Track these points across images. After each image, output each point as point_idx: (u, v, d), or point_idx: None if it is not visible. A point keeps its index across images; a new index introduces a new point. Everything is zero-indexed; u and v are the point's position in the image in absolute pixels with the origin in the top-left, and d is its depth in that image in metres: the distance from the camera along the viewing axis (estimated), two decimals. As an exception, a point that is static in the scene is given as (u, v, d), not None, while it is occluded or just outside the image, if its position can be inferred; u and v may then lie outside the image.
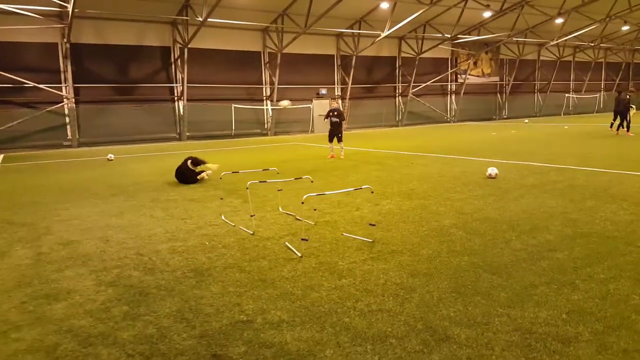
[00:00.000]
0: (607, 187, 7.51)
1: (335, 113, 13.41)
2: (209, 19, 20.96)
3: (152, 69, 23.86)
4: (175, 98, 24.72)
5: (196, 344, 3.02)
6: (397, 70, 32.12)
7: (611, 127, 18.45)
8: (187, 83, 24.02)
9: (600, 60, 42.75)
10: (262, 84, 27.19)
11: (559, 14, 28.35)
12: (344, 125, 13.36)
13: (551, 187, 7.70)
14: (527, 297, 3.48)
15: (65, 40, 20.91)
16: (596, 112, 42.01)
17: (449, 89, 35.05)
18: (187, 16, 22.23)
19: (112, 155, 15.87)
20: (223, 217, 6.51)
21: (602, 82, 44.10)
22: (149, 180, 10.44)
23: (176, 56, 24.20)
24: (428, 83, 32.89)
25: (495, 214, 6.07)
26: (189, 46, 23.28)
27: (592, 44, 38.06)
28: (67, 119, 22.00)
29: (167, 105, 24.64)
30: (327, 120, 13.55)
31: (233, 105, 25.47)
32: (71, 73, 21.59)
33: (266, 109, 27.29)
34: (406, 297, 3.60)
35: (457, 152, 13.77)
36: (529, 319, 3.14)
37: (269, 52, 26.83)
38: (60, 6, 18.66)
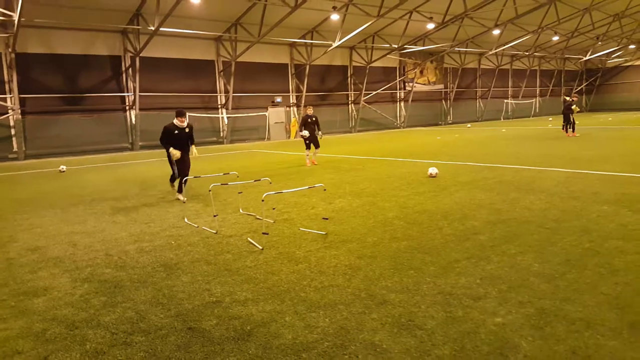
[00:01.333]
0: (530, 182, 8.55)
1: (313, 119, 13.40)
2: (161, 28, 21.05)
3: (102, 78, 23.51)
4: (127, 107, 24.46)
5: (173, 321, 3.49)
6: (349, 79, 33.23)
7: (562, 128, 19.87)
8: (140, 92, 23.87)
9: (535, 68, 45.99)
10: (217, 93, 27.40)
11: (496, 26, 30.49)
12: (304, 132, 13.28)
13: (483, 183, 8.66)
14: (451, 269, 4.21)
15: (10, 49, 20.30)
16: (532, 116, 45.04)
17: (398, 97, 36.60)
18: (138, 25, 22.18)
19: (64, 167, 15.67)
20: (186, 220, 6.92)
21: (537, 88, 47.40)
22: (106, 190, 10.58)
23: (127, 65, 24.00)
24: (378, 91, 34.23)
25: (432, 207, 6.86)
26: (141, 55, 23.20)
27: (527, 53, 40.94)
28: (13, 131, 21.29)
29: (119, 115, 24.33)
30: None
31: (187, 113, 25.41)
32: (16, 83, 20.95)
33: (221, 117, 27.50)
34: (353, 275, 4.23)
35: (404, 155, 14.74)
36: (450, 284, 3.85)
37: (223, 61, 27.10)
38: (5, 15, 18.20)
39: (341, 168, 12.42)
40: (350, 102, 33.70)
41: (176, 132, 8.60)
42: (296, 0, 21.26)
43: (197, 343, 3.12)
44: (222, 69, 27.18)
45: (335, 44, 27.45)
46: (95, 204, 8.82)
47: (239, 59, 26.45)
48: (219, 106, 27.54)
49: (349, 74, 33.17)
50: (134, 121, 24.37)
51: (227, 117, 27.39)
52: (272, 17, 23.14)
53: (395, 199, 7.64)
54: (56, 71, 22.03)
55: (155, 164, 17.05)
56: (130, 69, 23.90)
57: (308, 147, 13.42)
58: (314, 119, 13.43)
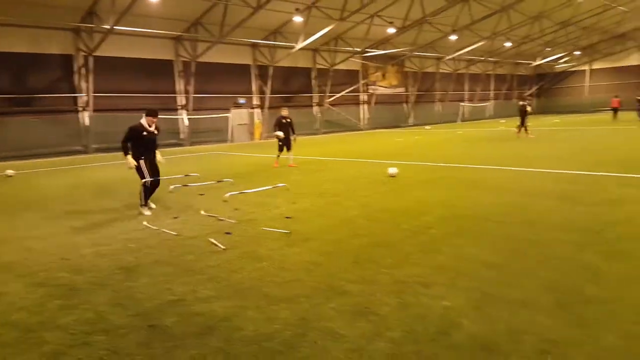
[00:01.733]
0: (483, 180, 8.98)
1: (288, 121, 13.09)
2: (116, 27, 20.51)
3: (52, 78, 22.55)
4: (80, 109, 23.60)
5: (133, 320, 3.51)
6: (313, 81, 33.45)
7: (519, 130, 20.68)
8: (93, 93, 23.11)
9: (489, 73, 47.86)
10: (176, 93, 26.92)
11: (453, 32, 31.56)
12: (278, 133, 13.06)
13: (439, 182, 9.02)
14: (406, 261, 4.42)
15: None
16: (487, 119, 46.78)
17: (361, 99, 37.16)
18: (92, 24, 21.50)
19: (12, 171, 14.93)
20: (145, 223, 6.83)
21: (492, 91, 49.33)
22: (59, 195, 10.23)
23: (80, 65, 23.17)
24: (342, 93, 34.63)
25: (392, 205, 7.11)
26: (95, 54, 22.49)
27: (482, 58, 42.59)
28: (-46, 134, 20.15)
29: (71, 117, 23.38)
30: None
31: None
32: (-43, 83, 19.84)
33: (181, 118, 27.05)
34: (314, 270, 4.36)
35: (367, 156, 15.05)
36: (404, 274, 4.06)
37: (182, 61, 26.67)
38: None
39: (305, 169, 12.55)
40: (314, 104, 33.93)
41: (145, 133, 7.48)
42: (258, 1, 21.25)
43: (158, 339, 3.16)
44: (181, 69, 26.75)
45: (298, 46, 27.60)
46: (48, 209, 8.53)
47: (199, 59, 26.12)
48: (179, 107, 27.06)
49: (312, 76, 33.41)
50: (87, 123, 23.56)
51: (188, 119, 26.96)
52: (234, 17, 23.03)
53: (357, 198, 7.85)
54: (2, 70, 20.98)
55: (110, 167, 16.61)
56: (83, 69, 23.10)
57: (280, 149, 13.21)
58: (288, 120, 13.13)
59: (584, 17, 36.59)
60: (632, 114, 29.27)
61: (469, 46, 36.26)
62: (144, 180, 7.42)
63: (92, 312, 3.67)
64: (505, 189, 8.00)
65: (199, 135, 27.53)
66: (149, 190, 7.52)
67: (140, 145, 7.48)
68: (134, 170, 7.50)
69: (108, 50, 22.90)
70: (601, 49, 47.15)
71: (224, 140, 28.42)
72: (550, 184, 8.27)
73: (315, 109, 34.04)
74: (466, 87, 46.21)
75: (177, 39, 26.16)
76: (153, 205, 7.68)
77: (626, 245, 4.60)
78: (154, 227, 6.51)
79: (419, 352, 2.80)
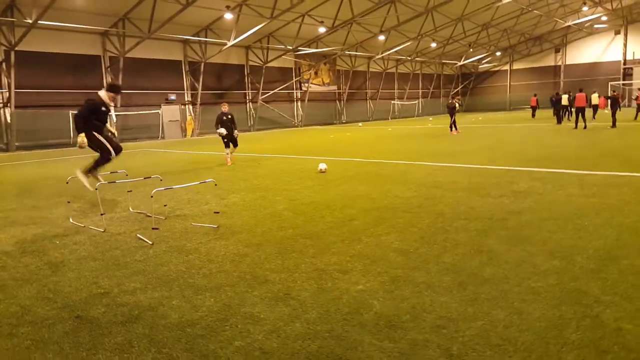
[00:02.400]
0: (404, 174, 9.65)
1: (229, 117, 12.84)
2: (40, 21, 19.26)
3: (-35, 71, 20.85)
4: (1, 105, 21.94)
5: (59, 312, 3.57)
6: (246, 78, 33.27)
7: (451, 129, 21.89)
8: (15, 88, 21.56)
9: (417, 72, 50.17)
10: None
11: (381, 32, 32.79)
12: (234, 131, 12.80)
13: (364, 177, 9.57)
14: (327, 250, 4.80)
15: None
16: (416, 116, 49.09)
17: (295, 96, 37.52)
18: (12, 17, 20.01)
19: None
20: (71, 220, 6.71)
21: (420, 90, 51.77)
22: (-26, 194, 9.62)
23: (0, 60, 21.52)
24: (275, 90, 34.78)
25: (318, 198, 7.50)
26: (17, 49, 20.97)
27: (410, 58, 44.56)
28: None
29: (-11, 113, 21.76)
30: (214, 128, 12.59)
31: (70, 111, 23.58)
32: None
33: (109, 114, 25.86)
34: (240, 261, 4.61)
35: (298, 153, 15.41)
36: (324, 263, 4.43)
37: (110, 57, 25.53)
38: None
39: (237, 165, 12.66)
40: (248, 100, 33.78)
41: (103, 109, 7.27)
42: (188, -3, 20.88)
43: (85, 329, 3.27)
44: (109, 64, 25.58)
45: (230, 43, 27.38)
46: (-40, 209, 8.03)
47: (128, 55, 25.13)
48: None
49: (245, 73, 33.23)
50: (9, 120, 21.93)
51: (116, 115, 25.85)
52: (163, 13, 22.42)
53: (285, 193, 8.15)
54: None
55: (34, 165, 15.67)
56: (4, 64, 21.46)
57: (227, 146, 12.92)
58: (229, 116, 12.86)
59: (503, 20, 39.48)
60: (549, 112, 31.98)
61: (397, 46, 37.82)
62: (108, 153, 7.22)
63: (17, 306, 3.68)
64: (422, 182, 8.67)
65: (128, 132, 26.48)
66: (109, 162, 7.40)
67: (97, 120, 7.22)
68: (85, 148, 7.21)
69: (31, 44, 21.51)
70: (520, 50, 51.06)
71: (155, 137, 27.59)
72: (464, 177, 9.07)
73: (249, 105, 33.93)
74: (396, 85, 48.12)
75: (104, 34, 24.97)
76: (101, 179, 7.38)
77: (525, 232, 5.18)
78: (80, 225, 6.41)
79: (331, 330, 3.15)
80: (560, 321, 3.08)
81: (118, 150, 7.45)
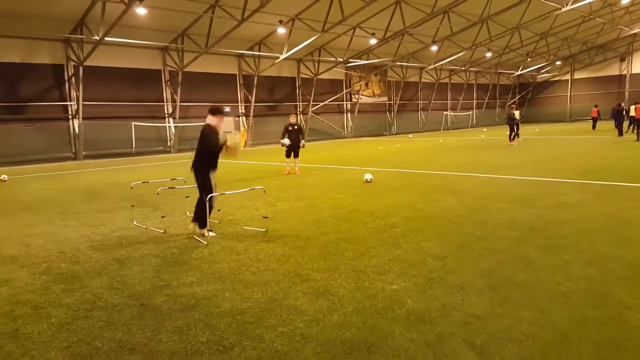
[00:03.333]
0: (451, 185, 9.70)
1: (295, 127, 13.16)
2: (106, 38, 21.02)
3: (43, 87, 23.03)
4: (70, 116, 24.03)
5: (127, 300, 4.09)
6: (297, 90, 34.19)
7: (509, 139, 21.59)
8: (83, 101, 23.55)
9: (471, 82, 49.15)
10: (164, 102, 27.43)
11: (434, 42, 32.61)
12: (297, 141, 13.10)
13: (410, 187, 9.71)
14: (367, 254, 5.06)
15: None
16: (470, 127, 47.99)
17: (345, 108, 37.99)
18: (82, 34, 21.99)
19: (6, 176, 15.35)
20: (135, 222, 7.39)
21: (474, 100, 50.62)
22: (53, 197, 10.72)
23: (70, 74, 23.64)
24: (326, 102, 35.42)
25: (362, 207, 7.76)
26: (85, 64, 22.96)
27: (464, 68, 43.81)
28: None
29: (62, 124, 23.86)
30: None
31: (133, 122, 25.37)
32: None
33: (168, 126, 27.51)
34: (285, 261, 4.98)
35: (346, 164, 15.74)
36: (363, 265, 4.70)
37: (169, 71, 27.22)
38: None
39: (288, 175, 13.16)
40: (298, 112, 34.63)
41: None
42: (243, 14, 21.93)
43: (149, 314, 3.74)
44: (168, 78, 27.27)
45: (282, 56, 28.33)
46: (43, 210, 9.02)
47: (186, 69, 26.69)
48: (166, 115, 27.56)
49: (297, 85, 34.14)
50: (77, 130, 23.95)
51: (174, 127, 27.44)
52: (219, 29, 23.68)
53: (331, 201, 8.48)
54: (-6, 79, 21.38)
55: (99, 172, 17.03)
56: (73, 78, 23.56)
57: (288, 156, 13.24)
58: (295, 127, 13.17)
59: (563, 29, 38.00)
60: (611, 124, 30.38)
61: (450, 56, 37.37)
62: (209, 195, 6.10)
63: (90, 294, 4.24)
64: (469, 193, 8.71)
65: (185, 142, 27.99)
66: (211, 208, 6.21)
67: (214, 154, 6.27)
68: (199, 183, 6.29)
69: (98, 60, 23.43)
70: (582, 59, 48.75)
71: (211, 147, 28.91)
72: (512, 189, 9.00)
73: (300, 117, 34.76)
74: (449, 96, 47.38)
75: (164, 50, 26.71)
76: (211, 233, 6.24)
77: (563, 242, 5.22)
78: (143, 227, 7.06)
79: (365, 322, 3.42)
80: (584, 321, 3.18)
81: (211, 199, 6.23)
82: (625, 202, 7.23)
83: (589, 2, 29.66)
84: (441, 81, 45.06)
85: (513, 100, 52.77)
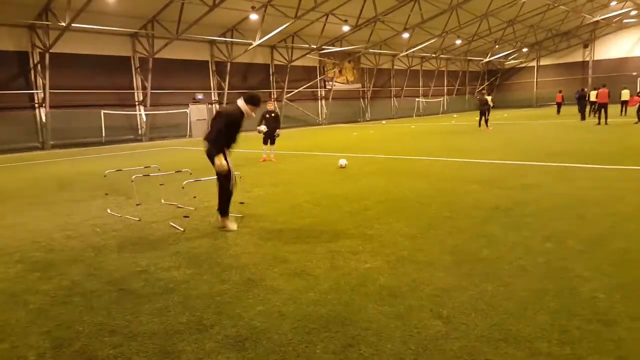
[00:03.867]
0: (422, 170, 9.97)
1: (273, 115, 13.09)
2: (73, 24, 20.34)
3: (7, 75, 22.13)
4: (37, 105, 23.24)
5: (105, 285, 4.13)
6: (271, 77, 33.95)
7: (479, 125, 21.96)
8: (50, 89, 22.80)
9: (442, 69, 49.84)
10: (134, 89, 26.81)
11: (405, 30, 32.86)
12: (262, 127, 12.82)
13: (383, 172, 9.94)
14: (341, 236, 5.23)
15: None
16: (441, 114, 48.78)
17: (319, 95, 38.00)
18: (47, 21, 21.19)
19: (-33, 167, 14.82)
20: (109, 210, 7.35)
21: (445, 87, 51.40)
22: (20, 188, 10.47)
23: (36, 62, 22.80)
24: (300, 89, 35.32)
25: (337, 192, 7.93)
26: (51, 51, 22.18)
27: (434, 55, 44.35)
28: None
29: (27, 113, 23.03)
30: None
31: (102, 111, 24.75)
32: None
33: (139, 114, 26.96)
34: (262, 245, 5.10)
35: (321, 150, 15.88)
36: (338, 246, 4.87)
37: (140, 57, 26.57)
38: None
39: (263, 162, 13.20)
40: (273, 99, 34.42)
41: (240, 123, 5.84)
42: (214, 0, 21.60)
43: (128, 298, 3.81)
44: (138, 65, 26.64)
45: (255, 43, 28.05)
46: (10, 200, 8.82)
47: (156, 56, 26.12)
48: (137, 103, 26.98)
49: (270, 72, 33.90)
50: (44, 119, 23.21)
51: (146, 114, 26.92)
52: (191, 14, 23.23)
53: (307, 187, 8.61)
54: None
55: (69, 162, 16.64)
56: (39, 66, 22.74)
57: (265, 143, 13.22)
58: (273, 114, 13.07)
59: (529, 16, 38.89)
60: (575, 108, 31.42)
61: (421, 43, 37.77)
62: (230, 183, 5.69)
63: (68, 281, 4.26)
64: (439, 176, 8.99)
65: (157, 130, 27.54)
66: (231, 196, 5.76)
67: (230, 137, 5.76)
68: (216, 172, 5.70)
69: (65, 47, 22.65)
70: (547, 45, 50.05)
71: (183, 136, 28.54)
72: (478, 171, 9.34)
73: (275, 104, 34.57)
74: (421, 83, 47.96)
75: (134, 36, 26.02)
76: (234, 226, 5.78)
77: (524, 220, 5.54)
78: (118, 215, 7.03)
79: (340, 298, 3.59)
80: (542, 292, 3.44)
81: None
82: (583, 182, 7.64)
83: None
84: (413, 68, 45.54)
85: (483, 87, 53.82)
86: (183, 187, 6.02)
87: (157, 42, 25.74)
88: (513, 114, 36.96)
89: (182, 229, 5.94)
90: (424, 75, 47.98)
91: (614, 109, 23.63)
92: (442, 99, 50.53)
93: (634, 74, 44.25)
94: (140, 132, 27.03)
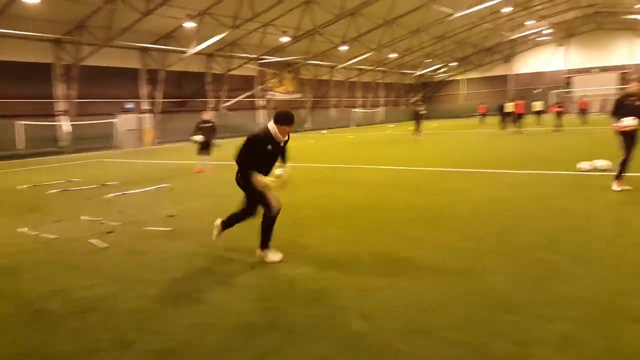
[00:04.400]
0: (358, 178, 10.24)
1: (209, 124, 12.79)
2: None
3: None
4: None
5: (19, 308, 3.85)
6: (207, 86, 33.31)
7: (413, 134, 22.71)
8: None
9: (379, 81, 51.56)
10: (55, 98, 25.17)
11: (343, 43, 33.71)
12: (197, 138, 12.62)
13: (321, 181, 10.11)
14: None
15: None
16: (379, 124, 50.30)
17: (259, 105, 37.84)
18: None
19: None
20: (26, 229, 6.79)
21: (381, 98, 53.18)
22: None
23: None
24: (238, 98, 34.99)
25: (271, 201, 7.94)
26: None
27: (371, 68, 45.81)
28: None
29: None
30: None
31: (19, 122, 22.89)
32: None
33: (62, 124, 25.32)
34: (192, 258, 4.99)
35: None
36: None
37: (64, 65, 25.07)
38: None
39: (199, 174, 12.88)
40: (209, 109, 33.76)
41: (269, 147, 4.94)
42: (147, 6, 20.95)
43: (44, 319, 3.59)
44: (62, 73, 25.11)
45: (191, 51, 27.49)
46: None
47: (83, 63, 24.80)
48: (59, 113, 25.31)
49: (207, 81, 33.30)
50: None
51: (71, 125, 25.35)
52: (122, 21, 22.37)
53: (242, 198, 8.50)
54: None
55: None
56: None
57: (200, 153, 12.84)
58: (209, 124, 12.77)
59: (456, 33, 41.35)
60: (497, 119, 33.65)
61: (358, 56, 38.88)
62: (272, 208, 4.90)
63: (-25, 305, 3.93)
64: (373, 184, 9.28)
65: (82, 142, 25.93)
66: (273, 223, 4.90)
67: (261, 160, 4.98)
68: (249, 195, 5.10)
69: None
70: (473, 60, 53.45)
71: (110, 147, 27.15)
72: (409, 178, 9.76)
73: (211, 113, 33.97)
74: (359, 94, 49.27)
75: (57, 42, 24.53)
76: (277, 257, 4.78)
77: (445, 222, 5.93)
78: (33, 233, 6.53)
79: (268, 305, 3.64)
80: (454, 286, 3.76)
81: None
82: (499, 186, 8.27)
83: (477, 10, 32.75)
84: (351, 80, 46.70)
85: (417, 98, 56.30)
86: (109, 201, 5.76)
87: (84, 48, 24.46)
88: (443, 124, 38.92)
89: (106, 245, 5.66)
90: (362, 87, 49.35)
91: (530, 119, 25.65)
92: (379, 109, 52.16)
93: (545, 87, 48.30)
94: (62, 144, 25.33)
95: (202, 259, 4.94)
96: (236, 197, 8.74)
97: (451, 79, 57.10)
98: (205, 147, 12.84)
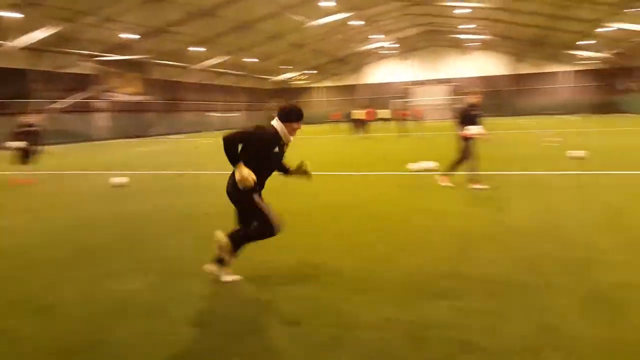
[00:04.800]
0: (210, 184, 9.95)
1: (32, 129, 11.24)
2: None
3: None
4: None
5: None
6: (32, 85, 29.00)
7: None
8: None
9: (239, 85, 51.31)
10: None
11: (196, 43, 32.71)
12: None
13: (168, 189, 9.64)
14: (100, 261, 4.83)
15: None
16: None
17: (97, 107, 34.19)
18: None
19: None
20: None
21: (242, 103, 53.00)
22: None
23: None
24: (73, 100, 31.26)
25: (106, 215, 7.29)
26: None
27: (230, 71, 45.36)
28: None
29: None
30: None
31: None
32: None
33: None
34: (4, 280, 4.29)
35: (95, 168, 14.42)
36: (95, 272, 4.48)
37: None
38: None
39: (17, 185, 11.12)
40: (32, 111, 29.46)
41: (276, 150, 4.07)
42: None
43: None
44: None
45: (12, 44, 23.78)
46: None
47: None
48: None
49: (32, 80, 29.00)
50: None
51: None
52: None
53: (70, 211, 7.61)
54: None
55: None
56: None
57: (21, 162, 11.18)
58: (32, 128, 11.31)
59: (312, 41, 43.38)
60: (347, 125, 36.00)
61: (214, 58, 38.13)
62: (273, 227, 3.98)
63: None
64: (219, 190, 9.12)
65: None
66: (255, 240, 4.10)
67: (262, 166, 4.03)
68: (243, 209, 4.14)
69: None
70: (328, 69, 56.77)
71: None
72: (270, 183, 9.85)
73: (38, 117, 29.74)
74: (216, 97, 48.26)
75: None
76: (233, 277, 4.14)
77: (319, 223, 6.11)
78: None
79: (93, 325, 3.35)
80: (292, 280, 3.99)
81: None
82: (352, 185, 8.94)
83: (328, 22, 34.93)
84: (208, 82, 45.51)
85: (271, 103, 57.40)
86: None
87: None
88: (304, 129, 40.42)
89: None
90: (221, 90, 48.46)
91: (377, 125, 28.17)
92: (238, 114, 51.80)
93: (390, 96, 53.81)
94: None
95: (13, 284, 4.30)
96: (58, 210, 7.89)
97: (308, 85, 59.69)
98: (26, 155, 11.21)
